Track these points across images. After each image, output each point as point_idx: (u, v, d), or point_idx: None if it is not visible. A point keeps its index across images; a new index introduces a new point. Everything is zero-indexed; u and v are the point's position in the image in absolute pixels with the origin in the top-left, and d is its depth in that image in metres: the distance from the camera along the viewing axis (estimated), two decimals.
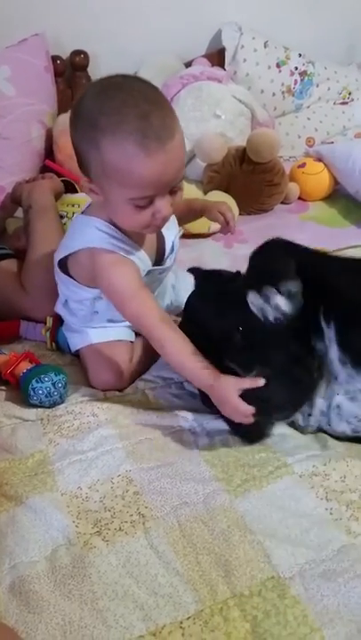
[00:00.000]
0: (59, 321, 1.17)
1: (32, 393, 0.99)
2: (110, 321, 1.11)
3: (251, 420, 0.84)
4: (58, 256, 1.08)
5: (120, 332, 1.11)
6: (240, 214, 1.72)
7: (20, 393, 1.02)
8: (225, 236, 1.60)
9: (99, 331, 1.10)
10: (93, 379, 1.08)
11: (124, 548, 0.73)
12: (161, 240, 1.09)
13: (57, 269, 1.09)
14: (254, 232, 1.63)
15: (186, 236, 1.63)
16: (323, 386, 0.90)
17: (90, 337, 1.10)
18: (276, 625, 0.64)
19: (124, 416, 0.97)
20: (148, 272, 1.05)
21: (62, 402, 1.02)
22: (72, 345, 1.13)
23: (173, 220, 1.08)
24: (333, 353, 0.88)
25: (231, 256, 1.54)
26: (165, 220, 0.95)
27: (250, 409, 0.83)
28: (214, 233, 1.67)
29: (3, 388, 1.06)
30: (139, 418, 0.97)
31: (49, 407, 1.01)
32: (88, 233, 1.00)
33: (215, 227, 1.66)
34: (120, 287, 0.97)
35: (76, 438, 0.92)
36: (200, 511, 0.78)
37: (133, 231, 1.00)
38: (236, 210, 1.70)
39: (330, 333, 0.89)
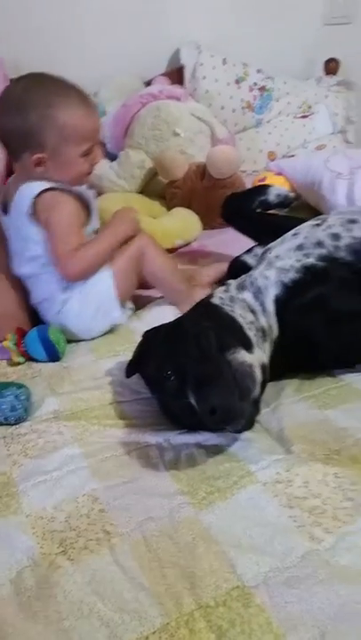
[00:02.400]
0: (26, 330, 1.21)
1: None
2: None
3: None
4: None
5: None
6: (204, 229, 1.74)
7: None
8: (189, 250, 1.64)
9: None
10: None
11: (89, 566, 0.73)
12: None
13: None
14: (218, 246, 1.66)
15: None
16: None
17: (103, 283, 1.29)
18: (241, 634, 0.64)
19: (90, 433, 0.97)
20: None
21: (27, 416, 1.02)
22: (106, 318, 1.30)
23: None
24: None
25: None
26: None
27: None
28: (179, 247, 1.68)
29: None
30: (105, 434, 0.97)
31: (15, 423, 1.00)
32: (36, 185, 1.24)
33: (180, 241, 1.68)
34: (65, 220, 1.24)
35: (41, 458, 0.92)
36: (165, 525, 0.78)
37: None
38: (199, 225, 1.73)
39: None
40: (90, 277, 1.27)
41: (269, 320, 1.04)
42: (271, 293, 1.05)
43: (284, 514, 0.78)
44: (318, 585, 0.68)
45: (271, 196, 1.43)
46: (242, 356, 0.89)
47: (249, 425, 0.92)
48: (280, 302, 1.05)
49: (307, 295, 1.02)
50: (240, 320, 1.01)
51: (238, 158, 1.79)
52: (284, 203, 1.45)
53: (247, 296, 1.07)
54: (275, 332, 1.04)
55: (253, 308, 1.06)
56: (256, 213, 1.42)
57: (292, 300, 1.04)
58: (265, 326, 1.03)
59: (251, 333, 0.99)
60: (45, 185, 1.23)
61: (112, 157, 1.96)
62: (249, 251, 1.29)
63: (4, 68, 1.80)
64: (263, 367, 0.95)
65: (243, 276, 1.13)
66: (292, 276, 1.05)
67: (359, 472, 0.83)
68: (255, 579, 0.70)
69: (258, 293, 1.07)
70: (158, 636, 0.64)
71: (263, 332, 1.03)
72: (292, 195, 1.49)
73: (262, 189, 1.46)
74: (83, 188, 1.30)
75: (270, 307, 1.05)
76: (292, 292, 1.04)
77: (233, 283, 1.13)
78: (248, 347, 0.95)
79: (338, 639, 0.62)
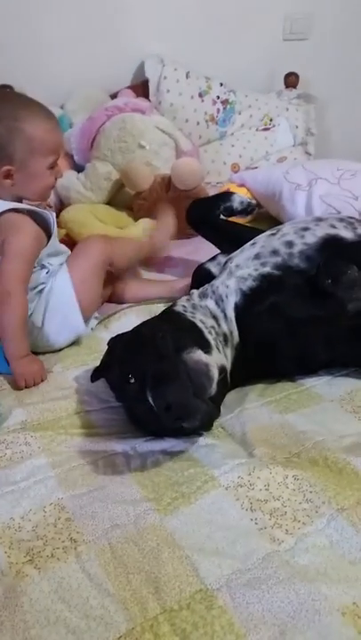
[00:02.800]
0: None
1: None
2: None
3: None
4: None
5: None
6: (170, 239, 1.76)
7: None
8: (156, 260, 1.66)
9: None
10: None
11: (55, 574, 0.74)
12: None
13: None
14: (183, 256, 1.69)
15: None
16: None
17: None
18: (204, 636, 0.66)
19: (57, 443, 0.98)
20: None
21: None
22: (74, 327, 1.30)
23: None
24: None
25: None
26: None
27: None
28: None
29: None
30: (72, 444, 0.98)
31: None
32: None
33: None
34: (22, 246, 1.23)
35: (8, 468, 0.93)
36: (131, 532, 0.79)
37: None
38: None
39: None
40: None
41: (230, 326, 1.08)
42: (231, 301, 1.09)
43: (245, 517, 0.80)
44: (278, 585, 0.70)
45: (235, 203, 1.47)
46: (197, 355, 0.91)
47: (208, 426, 0.94)
48: (239, 309, 1.08)
49: (264, 303, 1.06)
50: (200, 325, 1.04)
51: (202, 170, 1.83)
52: (246, 210, 1.49)
53: (210, 303, 1.11)
54: (235, 337, 1.07)
55: (216, 314, 1.09)
56: (220, 220, 1.46)
57: (250, 307, 1.07)
58: (226, 332, 1.07)
59: (210, 337, 1.02)
60: (10, 205, 1.25)
61: (79, 169, 1.98)
62: (212, 259, 1.33)
63: None
64: (223, 369, 0.99)
65: (206, 286, 1.16)
66: (250, 284, 1.09)
67: (318, 474, 0.85)
68: (218, 581, 0.72)
69: (219, 301, 1.11)
70: None
71: (225, 338, 1.06)
72: (253, 202, 1.53)
73: (226, 196, 1.50)
74: (46, 212, 1.31)
75: (231, 313, 1.08)
76: (250, 300, 1.07)
77: (196, 292, 1.16)
78: (206, 348, 0.97)
79: (297, 636, 0.64)
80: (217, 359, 0.98)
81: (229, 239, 1.30)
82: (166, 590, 0.71)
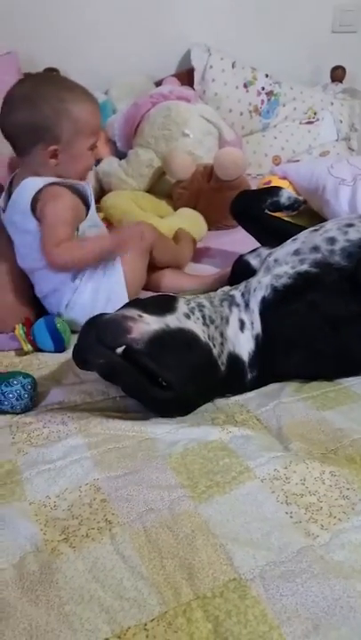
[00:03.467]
0: (32, 320, 1.26)
1: (2, 398, 1.01)
2: None
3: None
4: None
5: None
6: (209, 230, 1.76)
7: None
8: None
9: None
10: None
11: (90, 554, 0.75)
12: None
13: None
14: (222, 247, 1.68)
15: None
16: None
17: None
18: (237, 624, 0.66)
19: (94, 425, 0.99)
20: None
21: (33, 405, 1.04)
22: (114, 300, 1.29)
23: None
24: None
25: (198, 271, 1.58)
26: None
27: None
28: None
29: None
30: (108, 426, 0.99)
31: (21, 412, 1.03)
32: (40, 180, 1.28)
33: None
34: (59, 211, 1.26)
35: (45, 447, 0.94)
36: (165, 517, 0.80)
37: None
38: (204, 226, 1.75)
39: None
40: (73, 269, 1.30)
41: (251, 316, 1.08)
42: (258, 295, 1.09)
43: (281, 510, 0.80)
44: (313, 579, 0.70)
45: (283, 199, 1.47)
46: (123, 310, 0.96)
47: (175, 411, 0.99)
48: (266, 303, 1.08)
49: (299, 300, 1.05)
50: (181, 300, 1.05)
51: (245, 161, 1.81)
52: (293, 206, 1.49)
53: (235, 293, 1.13)
54: (257, 328, 1.07)
55: (238, 302, 1.10)
56: (264, 214, 1.45)
57: (281, 303, 1.07)
58: (244, 319, 1.08)
59: (185, 306, 1.03)
60: (49, 180, 1.27)
61: (121, 155, 1.98)
62: (253, 251, 1.32)
63: (18, 63, 1.82)
64: (192, 338, 0.99)
65: (243, 282, 1.16)
66: (284, 281, 1.08)
67: (355, 471, 0.85)
68: (252, 572, 0.72)
69: (246, 293, 1.11)
70: (157, 624, 0.66)
71: (241, 324, 1.08)
72: (301, 199, 1.52)
73: (275, 191, 1.49)
74: (83, 184, 1.34)
75: (254, 306, 1.08)
76: (282, 296, 1.07)
77: (227, 287, 1.19)
78: (169, 311, 1.00)
79: (330, 631, 0.64)
80: (182, 324, 0.98)
81: (272, 234, 1.30)
82: (200, 577, 0.71)
